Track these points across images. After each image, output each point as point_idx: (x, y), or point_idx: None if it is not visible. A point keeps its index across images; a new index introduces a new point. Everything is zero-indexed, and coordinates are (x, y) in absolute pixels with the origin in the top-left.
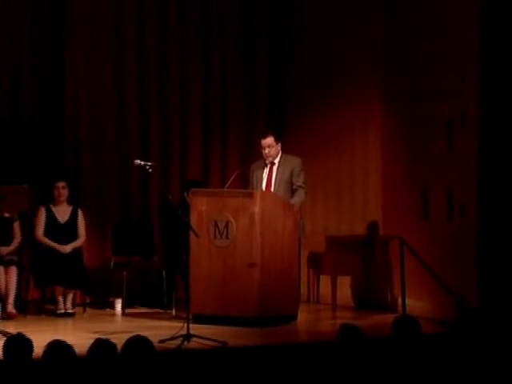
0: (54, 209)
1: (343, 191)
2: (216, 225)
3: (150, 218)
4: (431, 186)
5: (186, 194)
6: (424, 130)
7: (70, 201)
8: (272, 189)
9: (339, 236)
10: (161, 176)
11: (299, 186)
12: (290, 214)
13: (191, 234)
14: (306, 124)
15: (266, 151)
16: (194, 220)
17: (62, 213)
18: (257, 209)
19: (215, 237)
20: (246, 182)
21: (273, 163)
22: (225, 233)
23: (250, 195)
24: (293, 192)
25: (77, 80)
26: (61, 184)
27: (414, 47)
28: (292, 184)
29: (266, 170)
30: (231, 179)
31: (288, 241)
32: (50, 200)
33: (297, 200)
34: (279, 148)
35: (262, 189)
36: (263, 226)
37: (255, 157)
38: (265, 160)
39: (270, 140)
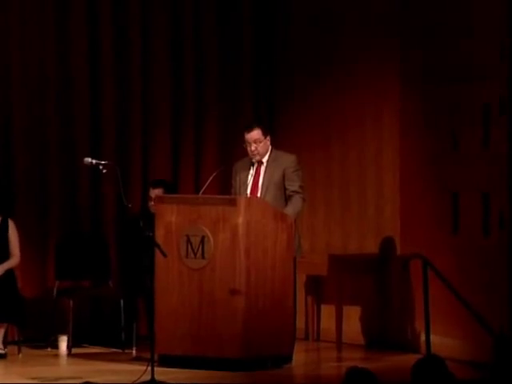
0: None
1: (350, 198)
2: (188, 240)
3: (103, 232)
4: (462, 190)
5: (149, 200)
6: (452, 120)
7: None
8: (258, 194)
9: (345, 255)
10: (118, 178)
11: (294, 192)
12: (284, 227)
13: (157, 252)
14: (302, 113)
15: (253, 147)
16: (160, 234)
17: None
18: (241, 220)
19: (187, 256)
20: (226, 186)
21: (261, 162)
22: (200, 251)
23: (233, 202)
24: (286, 199)
25: (9, 60)
26: None
27: (439, 14)
28: (285, 189)
29: (252, 171)
30: (208, 182)
31: (281, 261)
32: None
33: (292, 209)
34: (268, 143)
35: (246, 194)
36: (249, 242)
37: (239, 154)
38: (251, 158)
39: (256, 133)
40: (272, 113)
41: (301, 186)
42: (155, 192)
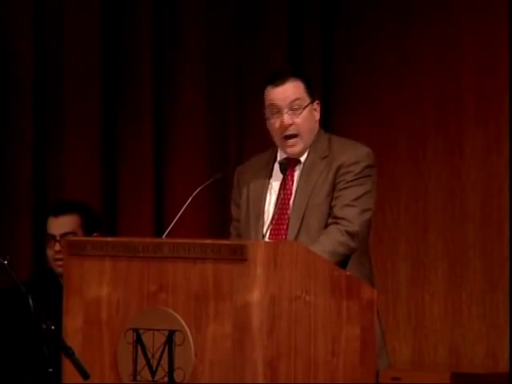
0: None
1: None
2: (139, 342)
3: None
4: None
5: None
6: None
7: None
8: (289, 232)
9: (497, 375)
10: None
11: (338, 219)
12: (356, 310)
13: (66, 366)
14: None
15: (287, 118)
16: (74, 326)
17: None
18: (257, 294)
19: (136, 376)
20: (227, 220)
21: (296, 162)
22: (164, 364)
23: (240, 254)
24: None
25: None
26: None
27: None
28: (332, 211)
29: (275, 183)
30: (184, 207)
31: None
32: None
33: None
34: (317, 117)
35: (262, 234)
36: (275, 344)
37: (254, 148)
38: (275, 154)
39: (293, 88)
40: (329, 70)
41: (366, 210)
42: (62, 226)
